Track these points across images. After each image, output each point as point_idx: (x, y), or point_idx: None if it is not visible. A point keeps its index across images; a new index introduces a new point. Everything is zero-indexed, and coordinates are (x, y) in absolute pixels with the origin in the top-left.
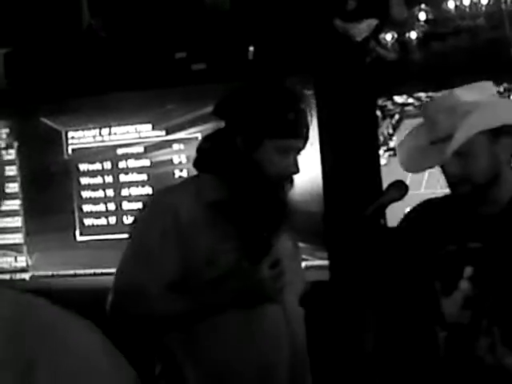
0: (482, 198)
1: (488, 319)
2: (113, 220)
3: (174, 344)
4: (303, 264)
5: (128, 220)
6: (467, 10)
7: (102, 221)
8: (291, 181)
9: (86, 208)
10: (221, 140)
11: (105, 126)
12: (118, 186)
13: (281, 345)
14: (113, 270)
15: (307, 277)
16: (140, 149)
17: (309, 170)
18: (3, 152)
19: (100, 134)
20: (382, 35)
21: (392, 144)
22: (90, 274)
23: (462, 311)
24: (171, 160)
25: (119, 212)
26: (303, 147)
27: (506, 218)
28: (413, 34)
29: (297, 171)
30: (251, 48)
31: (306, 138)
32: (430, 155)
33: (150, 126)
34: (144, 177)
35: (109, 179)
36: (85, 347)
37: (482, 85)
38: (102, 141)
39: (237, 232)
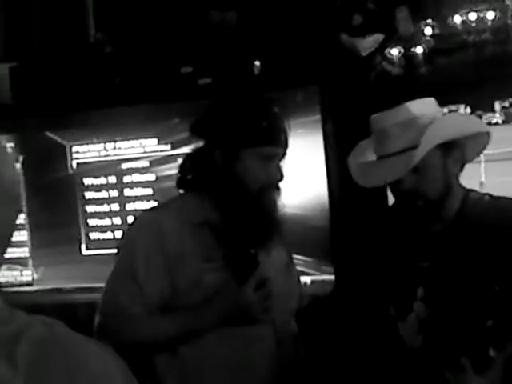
0: (433, 214)
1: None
2: (118, 234)
3: (159, 363)
4: (308, 278)
5: None
6: (473, 24)
7: (108, 235)
8: (277, 189)
9: (92, 222)
10: (200, 158)
11: (110, 141)
12: (123, 200)
13: (268, 365)
14: None
15: (313, 291)
16: (145, 163)
17: (314, 184)
18: None
19: (105, 148)
20: (387, 50)
21: None
22: (96, 288)
23: (416, 335)
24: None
25: (125, 226)
26: (284, 153)
27: (451, 234)
28: (419, 49)
29: (280, 178)
30: (257, 63)
31: (284, 144)
32: (385, 169)
33: (155, 140)
34: (149, 191)
35: (114, 193)
36: (102, 373)
37: (429, 100)
38: (107, 155)
39: (223, 251)
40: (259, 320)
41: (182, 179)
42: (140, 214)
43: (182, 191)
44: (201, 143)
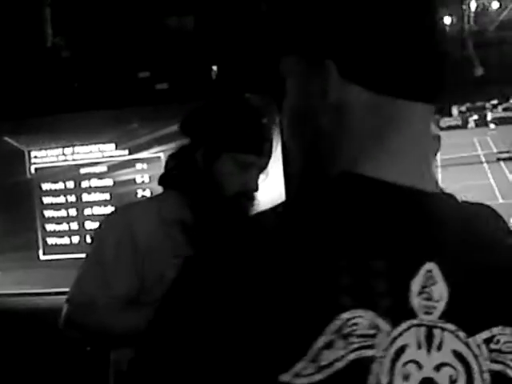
0: None
1: None
2: (76, 239)
3: (123, 360)
4: None
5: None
6: None
7: (65, 240)
8: (251, 198)
9: (49, 227)
10: (183, 156)
11: (68, 146)
12: (80, 205)
13: None
14: None
15: None
16: (103, 168)
17: (271, 189)
18: None
19: (63, 153)
20: None
21: None
22: (54, 293)
23: None
24: (134, 179)
25: (82, 231)
26: (265, 165)
27: None
28: None
29: (255, 189)
30: (214, 68)
31: (267, 156)
32: None
33: (113, 145)
34: (107, 196)
35: (72, 198)
36: None
37: None
38: (65, 160)
39: (193, 249)
40: None
41: (163, 176)
42: (113, 210)
43: (162, 188)
44: (186, 142)
